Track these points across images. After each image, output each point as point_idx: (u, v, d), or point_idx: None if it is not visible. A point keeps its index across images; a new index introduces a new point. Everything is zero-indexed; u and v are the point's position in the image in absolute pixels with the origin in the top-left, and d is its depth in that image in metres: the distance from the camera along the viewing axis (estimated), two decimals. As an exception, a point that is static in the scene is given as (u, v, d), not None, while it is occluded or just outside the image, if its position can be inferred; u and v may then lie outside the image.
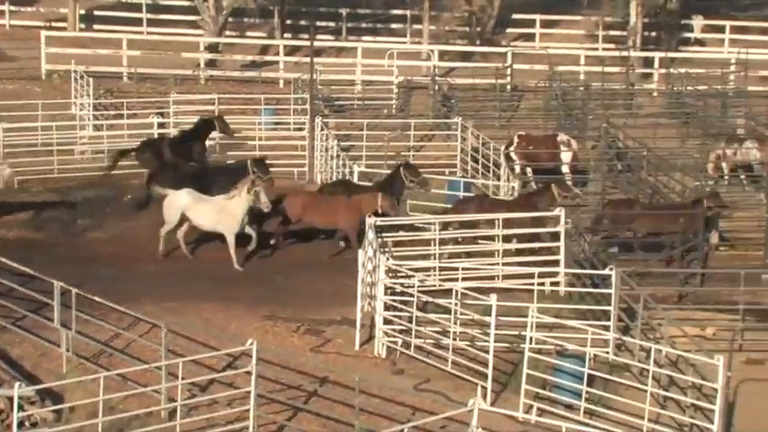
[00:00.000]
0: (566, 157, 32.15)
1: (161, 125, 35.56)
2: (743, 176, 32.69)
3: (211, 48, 47.16)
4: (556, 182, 27.93)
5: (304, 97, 38.02)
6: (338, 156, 31.77)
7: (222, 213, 25.76)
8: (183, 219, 25.88)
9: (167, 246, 26.15)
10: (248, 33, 51.38)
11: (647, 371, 19.18)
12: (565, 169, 32.09)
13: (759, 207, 29.44)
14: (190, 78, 44.24)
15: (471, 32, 52.04)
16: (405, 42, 49.86)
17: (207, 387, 19.67)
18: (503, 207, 26.15)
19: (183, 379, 18.79)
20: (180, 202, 25.90)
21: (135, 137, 33.92)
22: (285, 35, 49.86)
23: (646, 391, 18.87)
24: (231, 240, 25.64)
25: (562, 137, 32.83)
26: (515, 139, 32.79)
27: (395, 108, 41.30)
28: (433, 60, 45.24)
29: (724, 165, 32.48)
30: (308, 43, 38.33)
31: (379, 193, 26.38)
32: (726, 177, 32.51)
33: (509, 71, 44.14)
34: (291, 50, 47.29)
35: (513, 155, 32.58)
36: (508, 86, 43.77)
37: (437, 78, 42.20)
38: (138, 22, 50.37)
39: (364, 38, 50.34)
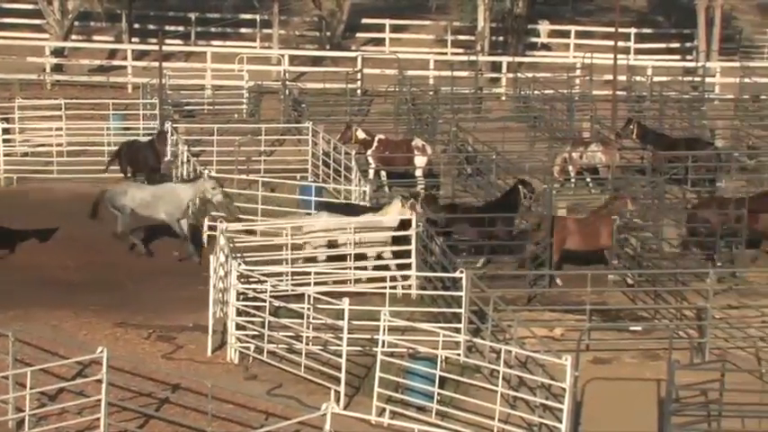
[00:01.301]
0: (420, 161, 32.41)
1: (6, 131, 34.87)
2: (588, 179, 33.32)
3: (57, 52, 46.41)
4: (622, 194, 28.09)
5: (153, 102, 37.66)
6: (188, 161, 31.55)
7: None
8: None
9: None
10: (95, 37, 50.71)
11: (498, 372, 19.42)
12: (418, 173, 32.35)
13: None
14: (35, 83, 43.44)
15: (321, 37, 52.16)
16: (255, 47, 49.74)
17: (56, 396, 19.34)
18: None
19: (31, 388, 18.45)
20: None
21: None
22: (133, 39, 49.31)
23: (496, 391, 19.09)
24: None
25: (417, 141, 33.08)
26: (374, 143, 32.95)
27: (245, 113, 41.17)
28: (283, 65, 45.21)
29: (570, 168, 33.06)
30: (156, 47, 38.06)
31: (629, 198, 26.72)
32: (572, 180, 33.10)
33: (359, 75, 44.35)
34: (140, 55, 46.81)
35: (369, 158, 32.76)
36: (358, 91, 43.98)
37: (288, 83, 42.17)
38: (-20, 26, 49.40)
39: (214, 42, 50.10)
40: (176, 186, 28.11)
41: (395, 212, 25.62)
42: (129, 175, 31.89)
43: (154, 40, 43.01)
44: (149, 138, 32.78)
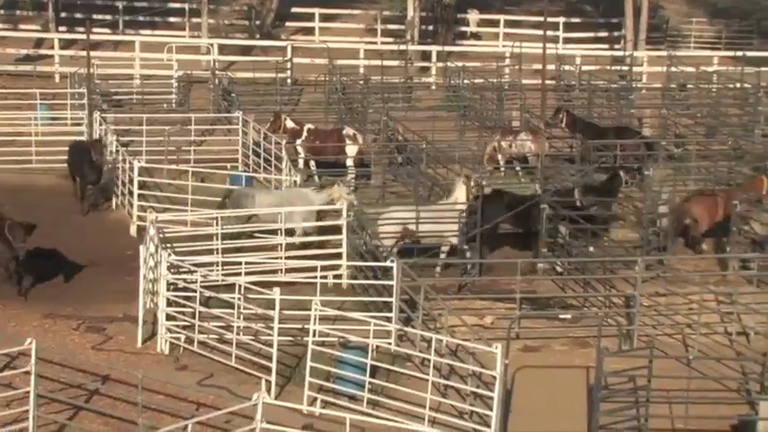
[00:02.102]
0: (351, 150, 32.39)
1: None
2: (518, 168, 33.49)
3: (-18, 42, 45.87)
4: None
5: (81, 92, 37.31)
6: (117, 151, 31.31)
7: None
8: None
9: None
10: (22, 26, 50.11)
11: (429, 360, 19.50)
12: (349, 162, 32.34)
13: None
14: (-40, 73, 42.93)
15: (251, 26, 51.95)
16: (184, 36, 49.41)
17: (-16, 389, 19.17)
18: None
19: (-42, 381, 18.27)
20: None
21: None
22: (60, 28, 48.78)
23: (427, 380, 19.17)
24: None
25: (348, 130, 33.06)
26: (304, 133, 32.89)
27: (175, 102, 40.92)
28: (212, 54, 44.97)
29: (500, 156, 33.21)
30: (84, 36, 37.68)
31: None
32: (502, 169, 33.25)
33: (289, 65, 44.24)
34: (67, 44, 46.33)
35: (299, 148, 32.69)
36: (288, 80, 43.87)
37: (217, 72, 41.96)
38: None
39: (142, 31, 49.69)
40: (308, 191, 27.39)
41: (463, 194, 26.00)
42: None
43: (81, 29, 42.52)
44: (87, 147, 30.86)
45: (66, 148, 31.24)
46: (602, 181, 28.64)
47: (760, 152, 33.42)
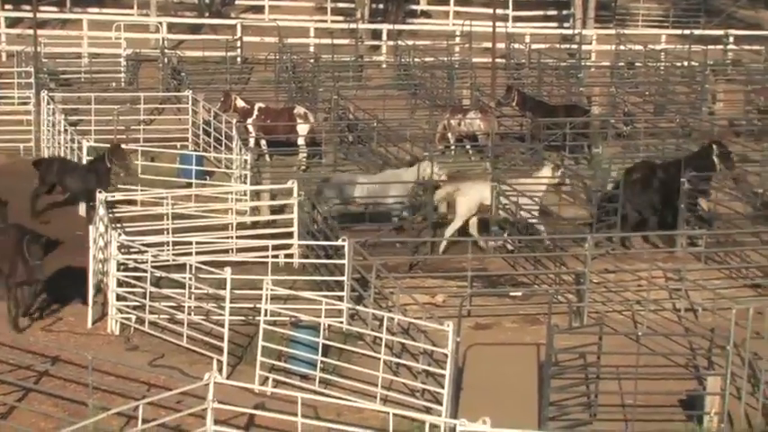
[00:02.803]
0: (302, 129, 32.34)
1: None
2: (468, 146, 33.56)
3: (-73, 20, 45.34)
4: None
5: (28, 71, 36.99)
6: (66, 130, 31.09)
7: None
8: None
9: None
10: (-33, 5, 49.60)
11: (380, 339, 19.54)
12: (300, 141, 32.28)
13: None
14: None
15: (200, 4, 51.66)
16: (132, 14, 49.06)
17: (-69, 372, 19.03)
18: None
19: None
20: None
21: None
22: (6, 6, 48.27)
23: (379, 358, 19.22)
24: None
25: (299, 109, 32.99)
26: (255, 112, 32.79)
27: (123, 81, 40.66)
28: (161, 33, 44.70)
29: (450, 135, 33.26)
30: (30, 15, 37.35)
31: None
32: (452, 147, 33.31)
33: (239, 43, 44.05)
34: (13, 22, 45.90)
35: (250, 127, 32.60)
36: (238, 59, 43.69)
37: (166, 51, 41.73)
38: None
39: (90, 9, 49.25)
40: (400, 172, 27.49)
41: (549, 173, 26.18)
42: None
43: (28, 8, 42.21)
44: (93, 158, 28.19)
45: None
46: (692, 153, 28.55)
47: (707, 129, 33.67)
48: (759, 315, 19.89)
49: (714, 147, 27.90)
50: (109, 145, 28.20)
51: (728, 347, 18.98)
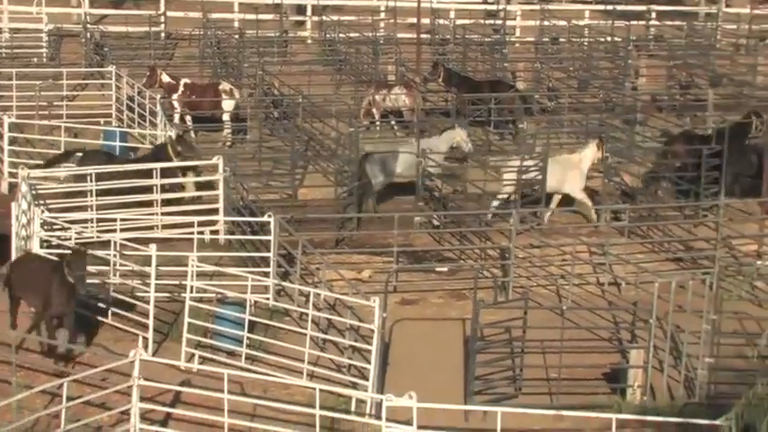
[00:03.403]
0: (227, 105, 32.16)
1: None
2: (393, 122, 33.58)
3: None
4: None
5: (-53, 46, 36.47)
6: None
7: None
8: None
9: None
10: None
11: (307, 315, 19.55)
12: (225, 117, 32.11)
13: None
14: None
15: (123, -21, 51.14)
16: (54, -12, 48.44)
17: None
18: None
19: None
20: None
21: None
22: (-76, -20, 47.50)
23: (305, 334, 19.23)
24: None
25: (225, 85, 32.79)
26: (181, 87, 32.56)
27: (45, 57, 40.16)
28: (83, 7, 44.18)
29: (375, 111, 33.24)
30: (-50, -11, 36.79)
31: None
32: (377, 123, 33.32)
33: (162, 18, 43.68)
34: (-68, -4, 45.16)
35: (175, 103, 32.37)
36: (162, 34, 43.33)
37: (89, 26, 41.27)
38: None
39: (10, -17, 48.58)
40: (430, 140, 27.53)
41: (590, 154, 26.26)
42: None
43: (-53, -19, 41.58)
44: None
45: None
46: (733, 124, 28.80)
47: (630, 104, 33.96)
48: (681, 288, 20.15)
49: (753, 116, 28.66)
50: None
51: (651, 321, 19.22)
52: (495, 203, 25.98)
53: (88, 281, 19.35)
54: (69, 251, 19.81)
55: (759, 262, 23.73)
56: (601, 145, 26.54)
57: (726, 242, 24.23)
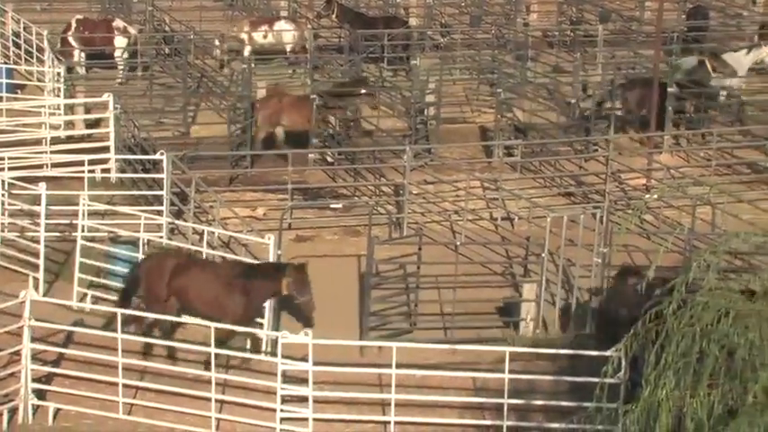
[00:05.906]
0: (120, 42, 31.63)
1: None
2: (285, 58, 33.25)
3: None
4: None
5: None
6: None
7: None
8: None
9: None
10: None
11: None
12: (117, 54, 31.60)
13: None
14: None
15: None
16: None
17: None
18: None
19: None
20: None
21: None
22: None
23: (200, 272, 19.11)
24: None
25: (118, 22, 32.25)
26: (73, 24, 31.93)
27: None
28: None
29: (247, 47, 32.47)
30: None
31: None
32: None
33: (49, -47, 42.74)
34: None
35: (70, 39, 31.73)
36: (48, -31, 42.42)
37: (-30, -41, 40.27)
38: None
39: None
40: (735, 55, 28.33)
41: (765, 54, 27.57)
42: None
43: None
44: None
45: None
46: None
47: (521, 40, 34.11)
48: (573, 223, 20.38)
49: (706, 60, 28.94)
50: None
51: (543, 255, 19.44)
52: None
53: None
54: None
55: (647, 195, 24.07)
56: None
57: (615, 176, 24.57)
